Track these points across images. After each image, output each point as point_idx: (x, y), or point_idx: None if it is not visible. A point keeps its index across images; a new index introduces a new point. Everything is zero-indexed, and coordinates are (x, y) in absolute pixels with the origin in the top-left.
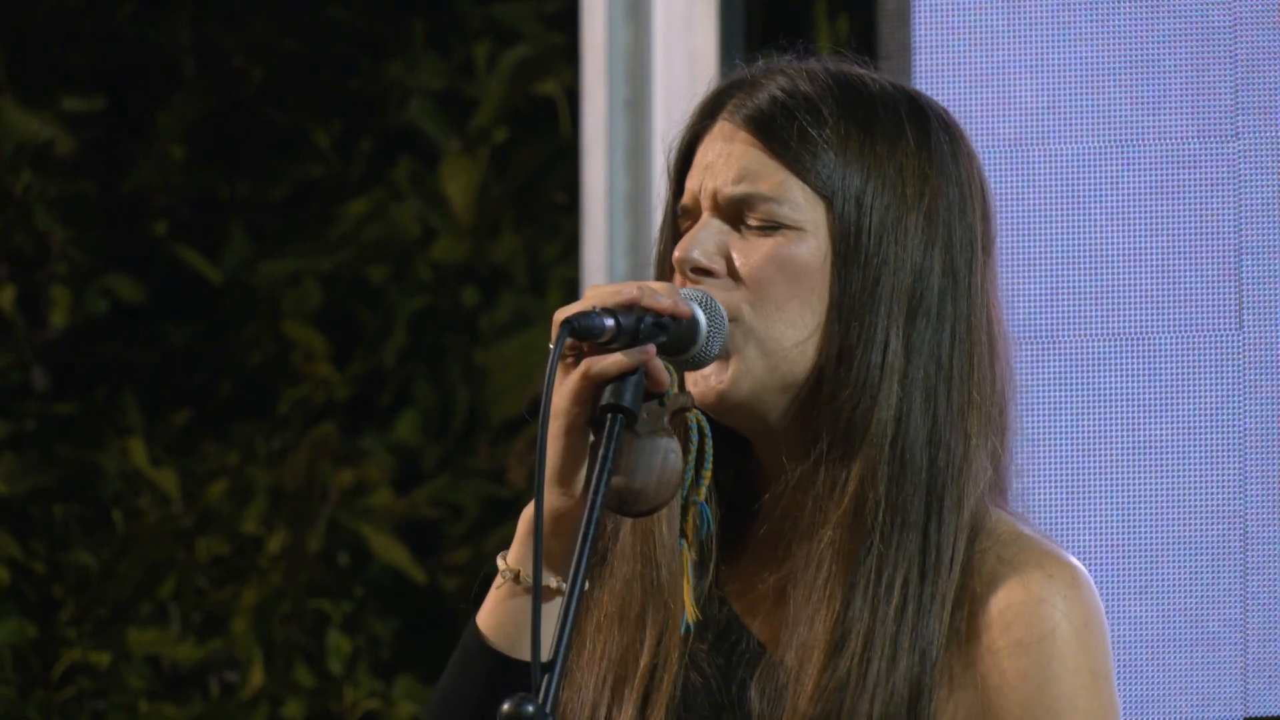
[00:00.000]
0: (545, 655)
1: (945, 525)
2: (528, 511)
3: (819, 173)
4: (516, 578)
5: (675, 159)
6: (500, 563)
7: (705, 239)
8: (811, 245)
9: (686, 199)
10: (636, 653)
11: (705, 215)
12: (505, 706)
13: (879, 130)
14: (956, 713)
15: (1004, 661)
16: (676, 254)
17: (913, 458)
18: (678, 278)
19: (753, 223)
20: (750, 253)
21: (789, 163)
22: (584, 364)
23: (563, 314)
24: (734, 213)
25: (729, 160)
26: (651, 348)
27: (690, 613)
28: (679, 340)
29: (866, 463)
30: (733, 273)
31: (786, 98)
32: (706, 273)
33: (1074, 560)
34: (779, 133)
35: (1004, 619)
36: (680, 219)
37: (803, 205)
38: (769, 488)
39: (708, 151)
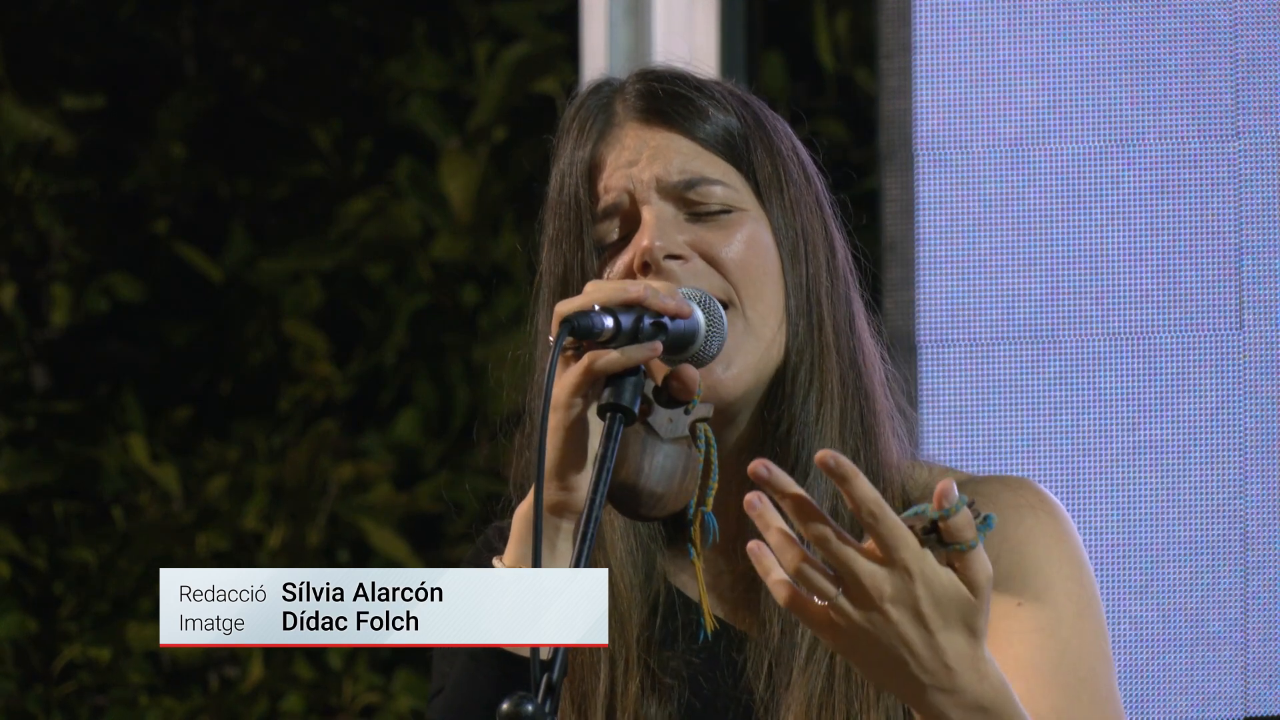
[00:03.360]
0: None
1: (889, 486)
2: (522, 509)
3: (741, 155)
4: None
5: (581, 170)
6: (496, 563)
7: (667, 226)
8: (758, 225)
9: (613, 196)
10: (594, 673)
11: (649, 207)
12: (505, 706)
13: (760, 118)
14: None
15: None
16: (645, 243)
17: (861, 431)
18: (617, 269)
19: (700, 209)
20: (715, 237)
21: (715, 149)
22: (587, 357)
23: (564, 309)
24: (678, 200)
25: (657, 151)
26: (658, 345)
27: (709, 622)
28: (678, 340)
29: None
30: (708, 258)
31: (683, 90)
32: (678, 259)
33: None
34: (696, 121)
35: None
36: (599, 221)
37: (739, 187)
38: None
39: (622, 150)
